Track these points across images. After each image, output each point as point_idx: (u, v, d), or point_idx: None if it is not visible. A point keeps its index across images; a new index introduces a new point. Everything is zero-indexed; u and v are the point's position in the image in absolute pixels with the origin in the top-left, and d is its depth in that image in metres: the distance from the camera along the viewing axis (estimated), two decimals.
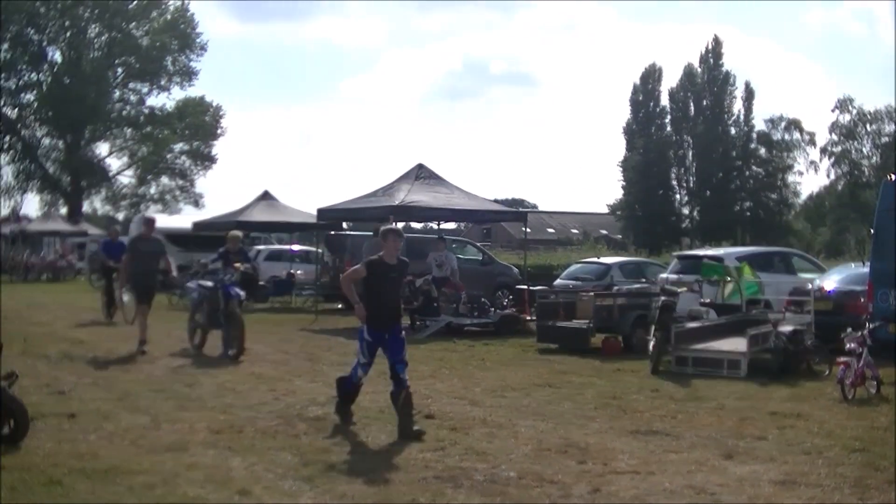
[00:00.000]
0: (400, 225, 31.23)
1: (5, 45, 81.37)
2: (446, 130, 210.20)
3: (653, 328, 17.91)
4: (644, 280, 28.66)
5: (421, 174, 27.37)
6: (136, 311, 20.35)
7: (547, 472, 9.60)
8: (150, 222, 21.05)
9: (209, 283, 19.61)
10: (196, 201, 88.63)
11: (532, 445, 10.76)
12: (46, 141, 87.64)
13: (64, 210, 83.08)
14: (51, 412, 12.16)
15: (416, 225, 58.23)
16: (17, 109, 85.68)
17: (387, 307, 11.86)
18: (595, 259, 35.60)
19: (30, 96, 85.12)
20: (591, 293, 22.45)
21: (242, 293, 19.04)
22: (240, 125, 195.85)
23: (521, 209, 47.16)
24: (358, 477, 9.28)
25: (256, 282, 21.91)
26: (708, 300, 21.18)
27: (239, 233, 21.38)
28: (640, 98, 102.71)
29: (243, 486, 8.80)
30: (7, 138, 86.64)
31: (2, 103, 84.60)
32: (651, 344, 17.70)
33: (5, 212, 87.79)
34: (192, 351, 19.11)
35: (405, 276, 13.90)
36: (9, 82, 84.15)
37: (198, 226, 41.24)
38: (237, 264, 19.33)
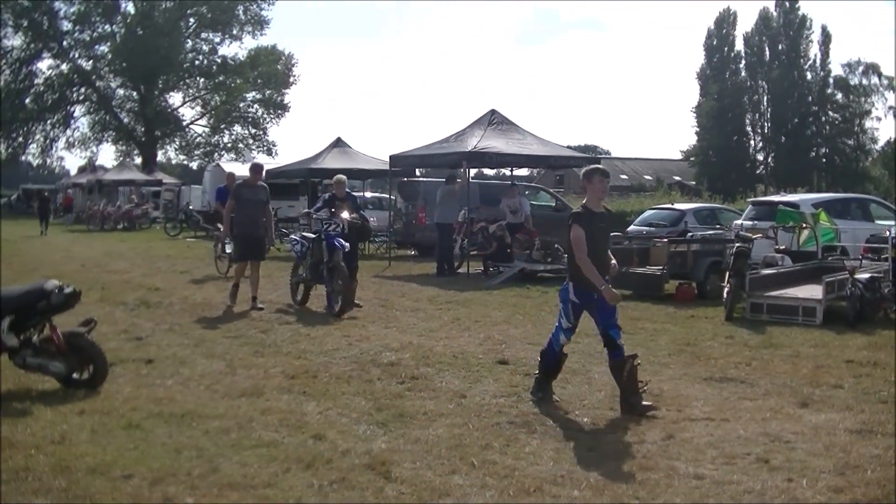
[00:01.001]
0: (472, 171, 31.21)
1: None
2: (518, 77, 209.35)
3: (727, 275, 17.76)
4: (718, 226, 28.33)
5: (493, 120, 27.19)
6: (238, 266, 18.77)
7: (620, 418, 9.59)
8: (257, 169, 19.20)
9: (311, 235, 18.58)
10: (269, 150, 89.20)
11: (606, 392, 10.71)
12: (120, 92, 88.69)
13: (138, 160, 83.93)
14: (128, 358, 12.35)
15: (488, 171, 58.14)
16: (91, 61, 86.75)
17: (597, 265, 9.94)
18: (669, 205, 35.25)
19: (104, 48, 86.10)
20: (665, 239, 22.26)
21: (346, 244, 17.66)
22: (312, 73, 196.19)
23: (594, 155, 46.78)
24: (431, 422, 9.33)
25: (369, 232, 20.65)
26: (783, 247, 20.92)
27: (344, 177, 19.71)
28: (715, 43, 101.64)
29: (318, 430, 8.86)
30: (82, 90, 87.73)
31: (77, 55, 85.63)
32: (725, 290, 17.55)
33: (81, 162, 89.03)
34: (295, 307, 18.18)
35: (613, 227, 11.79)
36: (83, 34, 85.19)
37: (271, 174, 41.43)
38: (344, 214, 18.11)
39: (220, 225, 22.42)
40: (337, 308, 17.05)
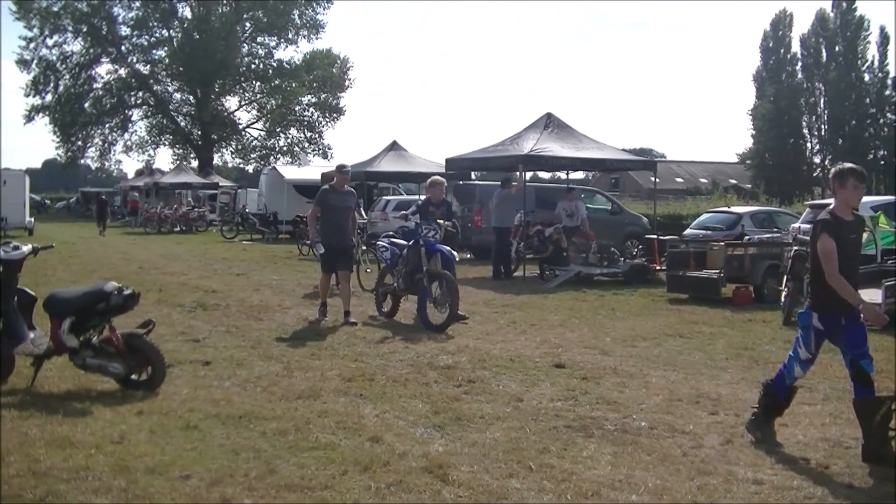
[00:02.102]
0: (528, 175, 31.14)
1: (137, 3, 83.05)
2: (573, 79, 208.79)
3: (785, 278, 17.61)
4: (776, 229, 28.12)
5: (549, 123, 27.17)
6: (323, 278, 17.07)
7: (678, 422, 9.51)
8: (343, 171, 17.40)
9: (402, 241, 17.49)
10: (324, 153, 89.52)
11: (663, 395, 10.67)
12: (177, 95, 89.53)
13: (195, 163, 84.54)
14: (186, 359, 12.43)
15: (543, 174, 57.88)
16: (149, 65, 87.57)
17: (851, 282, 8.59)
18: (726, 208, 35.04)
19: (161, 52, 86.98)
20: (723, 243, 22.13)
21: (455, 253, 16.80)
22: (367, 76, 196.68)
23: (649, 158, 46.55)
24: (489, 425, 9.30)
25: (457, 241, 19.43)
26: None
27: (440, 178, 18.52)
28: (771, 45, 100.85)
29: (375, 433, 8.86)
30: (140, 94, 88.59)
31: (135, 60, 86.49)
32: (783, 294, 17.42)
33: (139, 165, 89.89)
34: (382, 319, 16.99)
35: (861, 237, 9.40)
36: (141, 39, 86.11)
37: (326, 177, 41.54)
38: (440, 220, 17.07)
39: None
40: (444, 318, 15.74)
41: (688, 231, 31.60)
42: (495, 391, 10.94)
